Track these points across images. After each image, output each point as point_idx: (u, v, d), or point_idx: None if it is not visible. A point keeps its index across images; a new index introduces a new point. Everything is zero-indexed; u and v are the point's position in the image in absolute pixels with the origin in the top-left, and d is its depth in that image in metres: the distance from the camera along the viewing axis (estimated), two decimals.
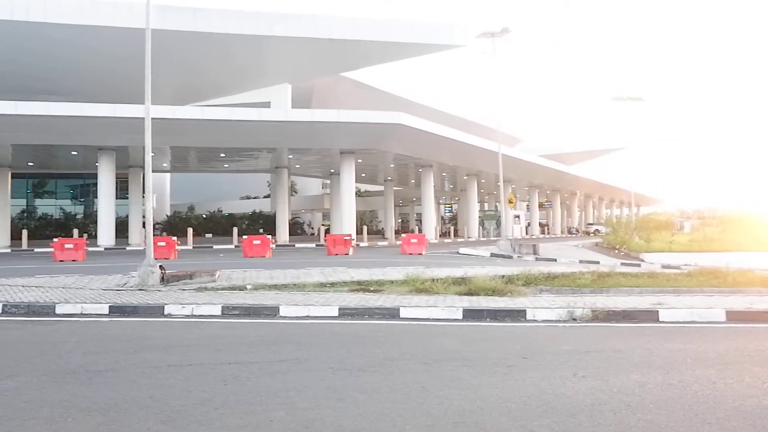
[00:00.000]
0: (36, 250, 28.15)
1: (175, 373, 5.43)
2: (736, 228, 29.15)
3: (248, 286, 11.26)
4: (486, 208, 60.03)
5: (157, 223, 42.17)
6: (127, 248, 29.47)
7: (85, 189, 46.09)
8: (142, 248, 12.53)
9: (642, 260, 22.39)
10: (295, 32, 30.21)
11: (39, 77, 31.45)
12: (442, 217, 71.23)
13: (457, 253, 25.40)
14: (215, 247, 31.16)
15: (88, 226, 38.73)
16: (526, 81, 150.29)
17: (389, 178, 48.66)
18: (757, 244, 21.89)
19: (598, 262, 19.66)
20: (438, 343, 6.95)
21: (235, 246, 30.22)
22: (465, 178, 46.99)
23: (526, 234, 54.07)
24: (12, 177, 36.01)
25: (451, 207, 78.40)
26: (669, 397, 4.60)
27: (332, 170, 40.50)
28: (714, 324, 8.02)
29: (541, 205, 62.06)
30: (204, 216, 48.66)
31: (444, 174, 48.50)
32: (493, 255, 23.46)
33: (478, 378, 5.20)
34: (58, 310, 9.03)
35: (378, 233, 51.23)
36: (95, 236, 31.56)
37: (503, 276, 12.04)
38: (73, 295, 10.15)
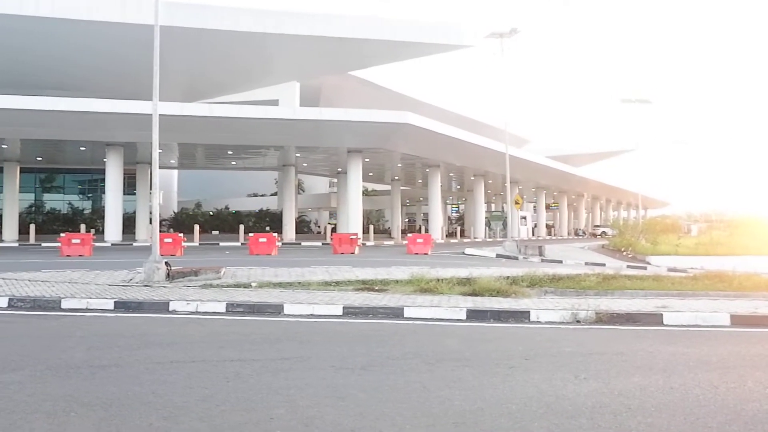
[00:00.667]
0: (43, 244, 28.31)
1: (177, 369, 5.46)
2: (744, 232, 29.03)
3: (253, 284, 11.30)
4: (493, 209, 59.95)
5: (164, 220, 42.33)
6: (134, 244, 29.59)
7: (93, 184, 46.30)
8: (148, 244, 12.60)
9: (648, 263, 22.33)
10: (303, 30, 30.27)
11: (48, 73, 31.65)
12: (449, 218, 71.14)
13: (463, 253, 25.38)
14: (222, 244, 31.26)
15: (95, 221, 38.90)
16: (535, 82, 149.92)
17: (396, 177, 48.67)
18: (765, 248, 21.79)
19: (603, 265, 19.62)
20: (441, 343, 6.95)
21: (242, 243, 30.31)
22: (472, 178, 46.94)
23: (533, 235, 53.96)
24: (21, 171, 36.26)
25: (458, 207, 78.30)
26: (670, 400, 4.59)
27: (339, 169, 40.56)
28: (718, 328, 7.99)
29: (547, 207, 61.88)
30: (211, 213, 48.80)
31: (451, 174, 48.46)
32: (498, 256, 23.43)
33: (479, 378, 5.20)
34: (64, 304, 9.09)
35: (385, 232, 51.25)
36: (102, 231, 31.72)
37: (508, 277, 12.03)
38: (78, 290, 10.21)
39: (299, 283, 11.57)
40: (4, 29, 27.37)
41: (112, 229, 30.60)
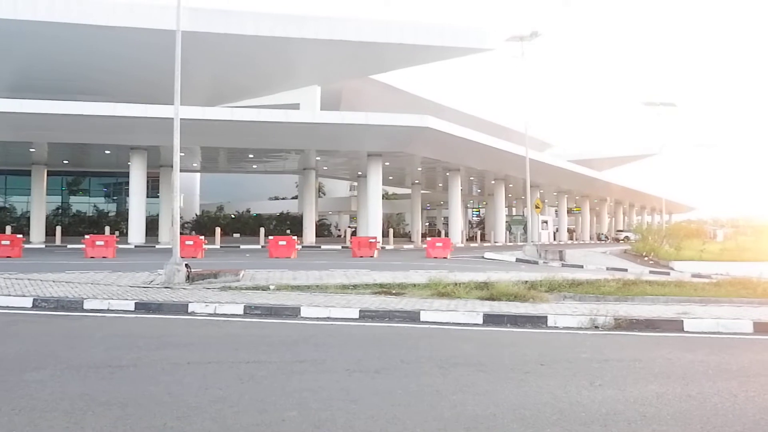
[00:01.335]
0: (69, 246, 28.82)
1: (193, 370, 5.52)
2: None
3: (271, 287, 11.38)
4: (514, 213, 59.57)
5: (187, 222, 42.84)
6: (157, 246, 29.98)
7: (117, 187, 47.10)
8: (170, 247, 12.75)
9: (671, 268, 22.00)
10: (324, 34, 30.46)
11: (75, 78, 32.28)
12: (470, 221, 70.90)
13: (483, 257, 25.26)
14: (242, 247, 31.52)
15: (119, 223, 39.57)
16: (557, 85, 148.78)
17: (417, 181, 48.62)
18: None
19: (625, 270, 19.41)
20: (456, 348, 6.93)
21: (262, 246, 30.53)
22: (493, 182, 46.71)
23: (554, 239, 53.48)
24: (48, 175, 37.04)
25: (479, 211, 77.97)
26: (686, 409, 4.52)
27: (360, 172, 40.66)
28: (740, 335, 7.85)
29: (569, 211, 61.31)
30: (233, 216, 49.27)
31: (471, 178, 48.29)
32: (518, 260, 23.27)
33: (493, 383, 5.18)
34: (86, 305, 9.25)
35: (405, 236, 51.25)
36: (126, 234, 32.20)
37: (526, 281, 11.96)
38: (101, 291, 10.38)
39: (317, 286, 11.62)
40: (32, 35, 28.01)
41: (136, 232, 31.05)
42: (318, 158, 37.30)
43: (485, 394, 4.81)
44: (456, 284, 11.01)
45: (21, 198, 42.05)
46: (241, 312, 8.93)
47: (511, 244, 43.45)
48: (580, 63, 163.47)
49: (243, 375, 5.30)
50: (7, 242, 21.07)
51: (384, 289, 11.20)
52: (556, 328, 8.18)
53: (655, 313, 8.84)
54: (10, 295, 9.67)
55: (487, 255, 26.15)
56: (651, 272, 19.39)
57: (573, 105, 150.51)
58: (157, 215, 36.89)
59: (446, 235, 41.30)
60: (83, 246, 21.78)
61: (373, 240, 24.93)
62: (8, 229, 30.07)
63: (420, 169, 42.06)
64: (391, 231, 37.79)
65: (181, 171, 14.55)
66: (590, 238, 62.45)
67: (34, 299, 9.42)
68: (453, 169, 39.77)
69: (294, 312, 8.85)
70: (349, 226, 53.25)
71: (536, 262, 22.42)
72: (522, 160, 28.76)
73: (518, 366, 5.84)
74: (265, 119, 28.43)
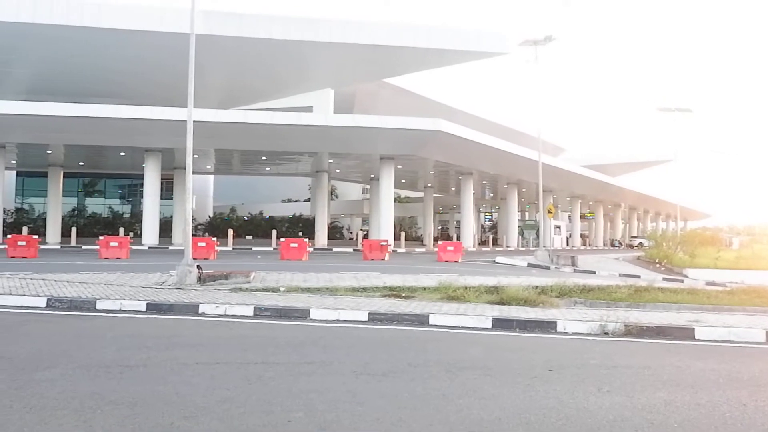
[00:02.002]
0: (84, 247, 29.12)
1: (202, 370, 5.57)
2: None
3: (281, 288, 11.43)
4: (526, 218, 59.31)
5: (200, 224, 43.09)
6: (170, 248, 30.20)
7: (132, 189, 47.51)
8: (183, 248, 12.86)
9: (685, 276, 21.79)
10: (337, 38, 30.55)
11: (91, 81, 32.63)
12: (482, 226, 70.66)
13: (494, 262, 25.18)
14: (254, 249, 31.67)
15: (134, 225, 39.85)
16: (571, 90, 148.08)
17: (429, 184, 48.57)
18: None
19: (638, 276, 19.26)
20: (463, 352, 6.93)
21: (274, 248, 30.65)
22: (505, 186, 46.56)
23: (567, 245, 53.17)
24: (64, 176, 37.48)
25: (491, 215, 77.74)
26: (695, 417, 4.49)
27: (372, 175, 40.69)
28: (752, 344, 7.76)
29: (583, 216, 60.89)
30: (245, 218, 49.46)
31: (484, 182, 48.17)
32: (530, 265, 23.17)
33: (499, 388, 5.17)
34: (99, 305, 9.35)
35: (417, 240, 51.14)
36: (140, 235, 32.47)
37: (537, 287, 11.91)
38: (113, 292, 10.49)
39: (327, 288, 11.66)
40: (50, 39, 28.35)
41: (149, 233, 31.30)
42: (330, 161, 37.41)
43: (491, 399, 4.81)
44: (466, 288, 10.99)
45: (38, 199, 42.58)
46: (251, 313, 8.98)
47: (523, 248, 43.27)
48: (594, 67, 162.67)
49: (251, 376, 5.34)
50: (24, 243, 21.34)
51: (393, 292, 11.21)
52: (566, 333, 8.14)
53: (666, 320, 8.77)
54: (24, 295, 9.79)
55: (499, 259, 26.07)
56: (664, 279, 19.21)
57: (587, 109, 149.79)
58: (171, 217, 37.15)
59: (458, 239, 41.18)
60: (98, 247, 22.01)
61: (385, 243, 24.93)
62: (25, 229, 30.46)
63: (432, 172, 42.02)
64: (403, 234, 37.79)
65: (194, 173, 14.68)
66: (604, 244, 62.00)
67: (47, 299, 9.53)
68: (465, 173, 39.70)
69: (303, 314, 8.89)
70: (361, 229, 53.28)
71: (548, 268, 22.31)
72: (535, 164, 28.67)
73: (525, 371, 5.83)
74: (278, 122, 28.56)
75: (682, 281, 19.22)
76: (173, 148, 30.37)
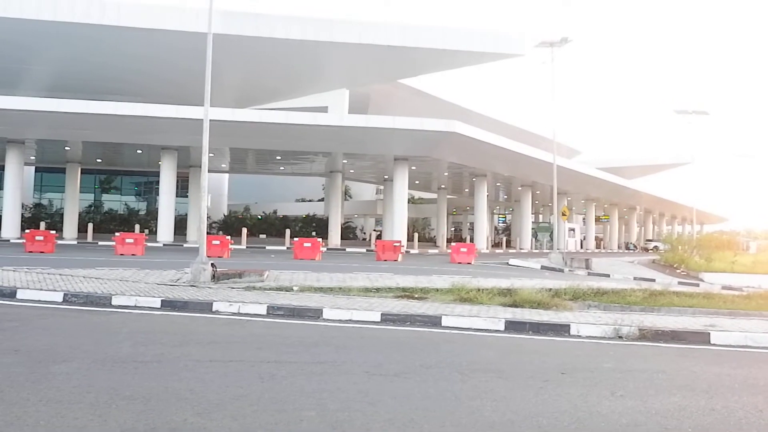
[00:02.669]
0: (100, 243, 29.44)
1: (215, 368, 5.61)
2: None
3: (294, 288, 11.48)
4: (540, 220, 59.00)
5: (214, 222, 43.39)
6: (184, 245, 30.43)
7: (148, 186, 47.94)
8: (197, 246, 12.96)
9: (701, 280, 21.56)
10: (353, 38, 30.61)
11: (109, 78, 33.00)
12: (496, 228, 70.37)
13: (507, 264, 25.09)
14: (268, 247, 31.81)
15: (149, 222, 40.24)
16: (587, 92, 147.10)
17: (443, 186, 48.51)
18: None
19: (653, 280, 19.10)
20: (476, 353, 6.91)
21: (287, 247, 30.77)
22: (519, 188, 46.36)
23: (581, 248, 52.83)
24: (81, 173, 37.94)
25: (505, 217, 77.41)
26: (709, 422, 4.44)
27: (386, 176, 40.74)
28: None
29: (597, 219, 60.45)
30: (259, 217, 49.69)
31: (498, 184, 48.00)
32: (543, 267, 23.06)
33: (512, 391, 5.16)
34: (114, 301, 9.45)
35: (430, 241, 51.09)
36: (156, 232, 32.76)
37: (550, 289, 11.85)
38: (128, 288, 10.59)
39: (340, 288, 11.68)
40: (70, 37, 28.72)
41: (165, 230, 31.58)
42: (345, 161, 37.48)
43: (503, 401, 4.80)
44: (479, 290, 10.97)
45: (55, 195, 43.10)
46: (264, 312, 9.03)
47: (536, 251, 43.06)
48: (609, 68, 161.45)
49: (263, 374, 5.37)
50: (41, 238, 21.62)
51: (406, 293, 11.22)
52: (579, 337, 8.10)
53: (681, 324, 8.69)
54: (42, 290, 9.93)
55: (512, 262, 25.97)
56: (680, 283, 19.03)
57: (602, 111, 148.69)
58: (186, 214, 37.45)
59: (471, 240, 41.09)
60: (113, 243, 22.23)
61: (398, 244, 24.93)
62: (42, 225, 30.87)
63: (446, 174, 41.96)
64: (416, 235, 37.76)
65: (209, 171, 14.77)
66: (618, 247, 61.52)
67: (64, 294, 9.65)
68: (479, 175, 39.60)
69: (316, 313, 8.92)
70: (374, 230, 53.33)
71: (561, 270, 22.18)
72: (549, 166, 28.51)
73: (538, 374, 5.80)
74: (293, 122, 28.69)
75: (697, 285, 19.02)
76: (189, 147, 30.59)
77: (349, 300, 10.15)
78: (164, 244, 30.01)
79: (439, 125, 29.28)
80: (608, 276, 20.56)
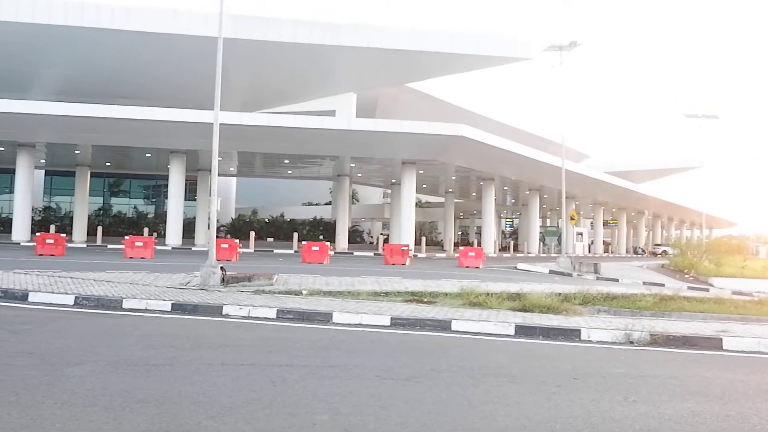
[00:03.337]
0: (109, 246, 29.56)
1: (227, 371, 5.63)
2: None
3: (304, 291, 11.49)
4: (548, 224, 58.84)
5: (222, 226, 43.50)
6: (193, 248, 30.54)
7: (156, 190, 48.14)
8: (206, 249, 13.04)
9: (711, 285, 21.45)
10: (360, 42, 30.68)
11: (119, 82, 33.22)
12: (503, 232, 70.26)
13: (515, 268, 25.02)
14: (276, 251, 31.87)
15: (158, 225, 40.38)
16: (595, 95, 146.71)
17: (450, 190, 48.47)
18: None
19: (663, 285, 19.01)
20: (487, 358, 6.91)
21: (295, 251, 30.82)
22: (527, 192, 46.27)
23: (589, 252, 52.64)
24: (91, 176, 38.16)
25: (512, 221, 77.24)
26: (724, 428, 4.42)
27: (393, 180, 40.76)
28: None
29: (605, 223, 60.22)
30: (266, 220, 49.78)
31: (506, 188, 47.92)
32: (551, 272, 22.99)
33: (524, 395, 5.14)
34: (125, 304, 9.49)
35: (437, 245, 51.01)
36: (164, 235, 32.88)
37: (560, 294, 11.82)
38: (139, 291, 10.64)
39: (349, 292, 11.69)
40: (81, 41, 28.94)
41: (173, 234, 31.70)
42: (352, 165, 37.53)
43: (516, 406, 4.79)
44: (488, 294, 10.93)
45: (65, 198, 43.35)
46: (274, 316, 9.04)
47: (544, 255, 42.94)
48: (618, 71, 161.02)
49: (275, 378, 5.38)
50: (52, 241, 21.74)
51: (415, 297, 11.20)
52: (590, 341, 8.07)
53: (692, 330, 8.64)
54: (53, 293, 9.98)
55: (520, 266, 25.90)
56: (689, 288, 18.94)
57: (610, 114, 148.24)
58: (194, 218, 37.57)
59: (478, 244, 41.02)
60: (123, 246, 22.33)
61: (406, 248, 24.91)
62: (52, 228, 31.05)
63: (454, 177, 41.94)
64: (423, 239, 37.73)
65: (218, 175, 14.82)
66: (626, 252, 61.26)
67: (75, 297, 9.71)
68: (487, 179, 39.55)
69: (326, 317, 8.93)
70: (381, 233, 53.31)
71: (570, 275, 22.11)
72: (557, 170, 28.44)
73: (550, 379, 5.79)
74: (301, 125, 28.76)
75: (707, 290, 18.92)
76: (197, 150, 30.74)
77: (359, 304, 10.15)
78: (173, 248, 30.13)
79: (447, 129, 29.27)
80: (617, 280, 20.48)
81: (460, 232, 72.19)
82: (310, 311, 9.16)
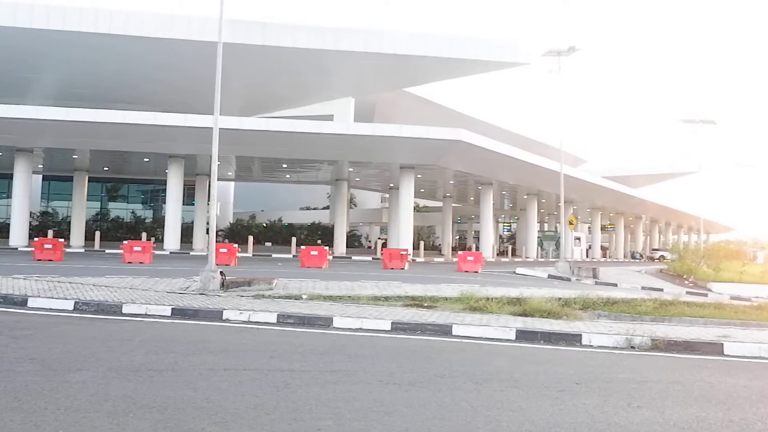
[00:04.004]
0: (107, 251, 29.52)
1: (230, 376, 5.61)
2: None
3: (304, 296, 11.47)
4: (545, 229, 58.91)
5: (220, 230, 43.47)
6: (191, 253, 30.49)
7: (155, 194, 48.12)
8: (205, 253, 13.02)
9: (709, 290, 21.48)
10: (359, 47, 30.74)
11: (117, 87, 33.23)
12: (501, 236, 70.30)
13: (514, 272, 25.04)
14: (274, 255, 31.82)
15: (156, 230, 40.35)
16: (592, 100, 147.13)
17: (448, 194, 48.51)
18: None
19: (661, 290, 19.04)
20: (489, 363, 6.89)
21: (293, 256, 30.78)
22: (525, 197, 46.33)
23: (587, 257, 52.71)
24: (89, 181, 38.09)
25: (510, 226, 77.33)
26: None
27: (391, 184, 40.76)
28: None
29: (603, 228, 60.30)
30: (265, 225, 49.77)
31: (504, 192, 47.98)
32: (550, 276, 23.00)
33: (527, 401, 5.13)
34: (125, 309, 9.46)
35: (435, 249, 51.07)
36: (162, 240, 32.81)
37: (560, 298, 11.82)
38: (138, 296, 10.61)
39: (349, 296, 11.68)
40: (78, 46, 28.94)
41: (172, 238, 31.64)
42: (350, 169, 37.53)
43: (520, 411, 4.78)
44: (488, 299, 10.94)
45: (63, 203, 43.30)
46: (275, 320, 9.02)
47: (542, 259, 42.97)
48: (615, 76, 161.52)
49: (278, 383, 5.37)
50: (50, 246, 21.68)
51: (416, 302, 11.20)
52: (591, 346, 8.06)
53: (693, 335, 8.65)
54: (53, 298, 9.95)
55: (519, 270, 25.92)
56: (688, 293, 18.96)
57: (608, 120, 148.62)
58: (192, 222, 37.54)
59: (477, 248, 41.07)
60: (121, 251, 22.28)
61: (404, 252, 24.90)
62: (50, 233, 30.97)
63: (452, 182, 41.97)
64: (421, 243, 37.73)
65: (216, 180, 14.81)
66: (624, 257, 61.33)
67: (75, 302, 9.67)
68: (485, 183, 39.60)
69: (326, 322, 8.91)
70: (379, 238, 53.32)
71: (569, 279, 22.12)
72: (555, 175, 28.49)
73: (553, 384, 5.78)
74: (299, 130, 28.75)
75: (706, 295, 18.96)
76: (196, 155, 30.71)
77: (359, 308, 10.14)
78: (171, 252, 30.06)
79: (445, 134, 29.30)
80: (616, 285, 20.50)
81: (458, 237, 72.24)
82: (310, 316, 9.15)
